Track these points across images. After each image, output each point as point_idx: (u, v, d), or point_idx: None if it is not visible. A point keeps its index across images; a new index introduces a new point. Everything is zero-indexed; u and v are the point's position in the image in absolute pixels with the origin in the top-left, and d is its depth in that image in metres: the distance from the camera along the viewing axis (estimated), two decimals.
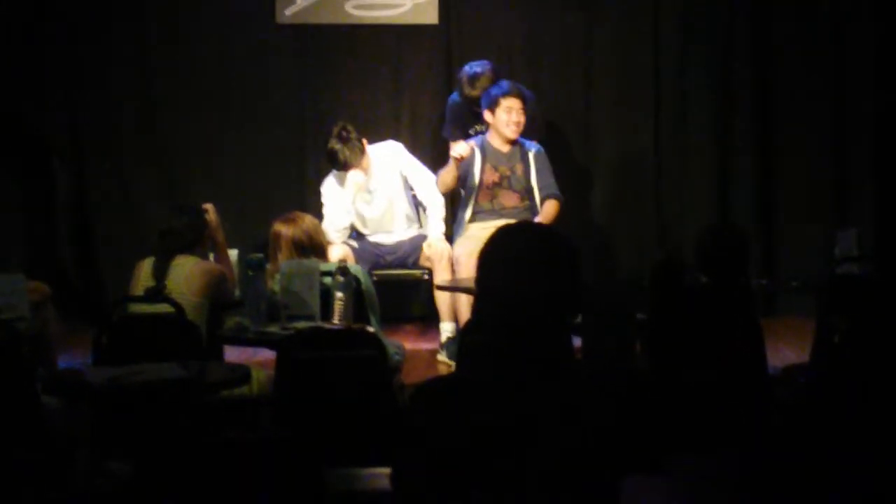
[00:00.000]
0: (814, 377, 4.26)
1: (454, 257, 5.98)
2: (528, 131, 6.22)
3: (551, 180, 6.11)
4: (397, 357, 4.80)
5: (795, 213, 7.12)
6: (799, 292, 6.32)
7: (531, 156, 6.12)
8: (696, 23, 7.18)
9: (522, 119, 6.06)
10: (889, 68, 7.02)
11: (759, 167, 7.17)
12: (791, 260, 6.99)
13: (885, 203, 6.99)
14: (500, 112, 6.04)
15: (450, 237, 6.26)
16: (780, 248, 7.13)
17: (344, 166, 6.08)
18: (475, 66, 6.38)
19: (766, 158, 7.18)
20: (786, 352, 5.67)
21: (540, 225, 2.27)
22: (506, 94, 6.05)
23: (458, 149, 6.01)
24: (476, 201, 6.11)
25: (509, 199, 6.10)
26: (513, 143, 6.11)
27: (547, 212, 6.03)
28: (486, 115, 6.12)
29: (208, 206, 4.90)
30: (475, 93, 6.30)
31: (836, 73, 7.13)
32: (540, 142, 6.28)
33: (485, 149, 6.10)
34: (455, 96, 6.57)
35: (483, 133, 6.23)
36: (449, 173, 6.10)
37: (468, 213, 6.13)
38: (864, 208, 7.03)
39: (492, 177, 6.09)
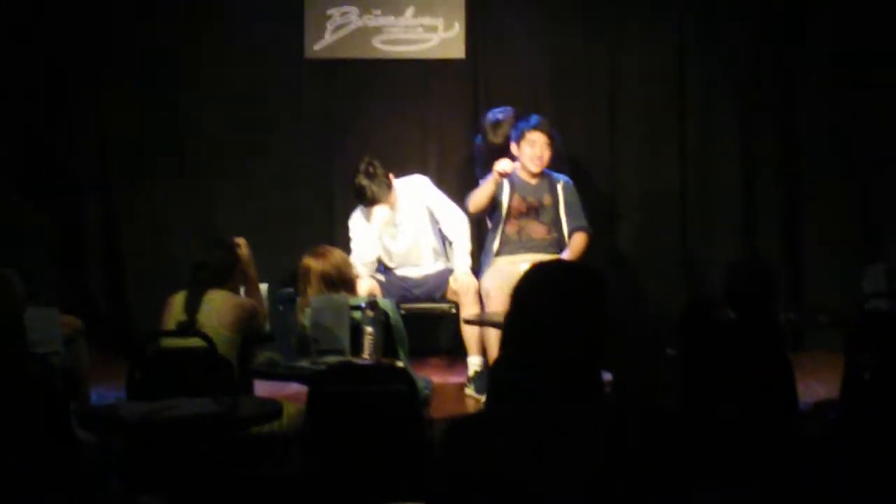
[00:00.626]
0: (844, 414, 4.26)
1: (483, 290, 6.00)
2: (555, 166, 6.25)
3: (580, 213, 6.14)
4: (426, 392, 4.82)
5: (823, 247, 7.12)
6: (827, 328, 6.30)
7: (560, 187, 6.15)
8: (720, 58, 7.20)
9: (547, 154, 6.10)
10: None
11: (786, 201, 7.17)
12: (819, 295, 6.98)
13: None
14: (525, 145, 6.10)
15: (477, 270, 6.29)
16: (809, 283, 7.12)
17: (371, 202, 6.13)
18: (497, 113, 6.48)
19: (793, 193, 7.18)
20: (815, 387, 5.66)
21: (572, 263, 2.29)
22: (532, 128, 6.10)
23: (503, 164, 6.03)
24: (503, 232, 6.15)
25: (537, 231, 6.13)
26: (542, 175, 6.14)
27: (575, 245, 6.06)
28: (513, 147, 6.17)
29: (240, 241, 4.94)
30: (497, 140, 6.39)
31: (866, 102, 7.12)
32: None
33: (514, 180, 6.13)
34: (479, 139, 6.63)
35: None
36: (484, 192, 6.10)
37: (496, 245, 6.16)
38: (894, 243, 7.02)
39: (520, 207, 6.13)
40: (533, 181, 6.16)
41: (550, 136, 6.13)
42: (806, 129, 7.19)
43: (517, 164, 6.12)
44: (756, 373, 4.03)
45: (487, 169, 6.44)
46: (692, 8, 7.18)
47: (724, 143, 7.21)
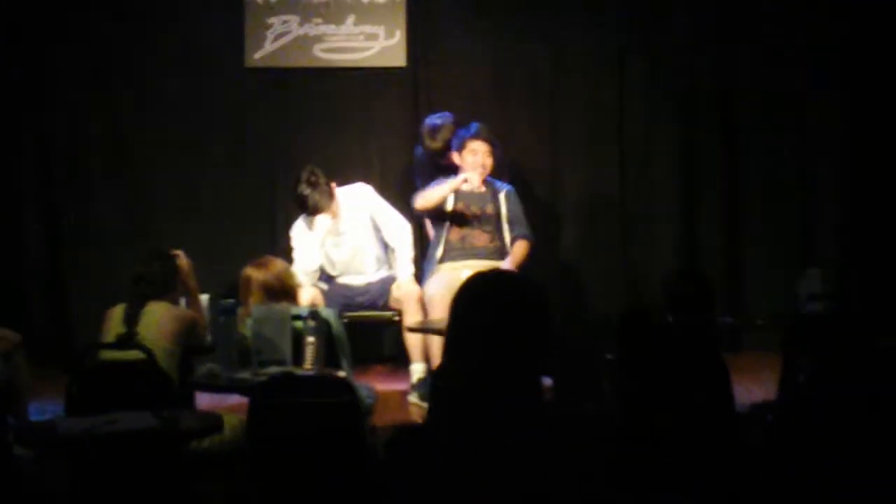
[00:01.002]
0: (780, 416, 4.31)
1: (426, 297, 6.01)
2: (496, 173, 6.28)
3: (522, 221, 6.17)
4: (369, 401, 4.82)
5: (761, 251, 7.21)
6: (765, 330, 6.38)
7: (502, 196, 6.18)
8: (660, 65, 7.27)
9: (489, 162, 6.13)
10: (857, 110, 7.12)
11: (725, 206, 7.25)
12: (757, 297, 7.07)
13: (851, 242, 7.09)
14: (467, 154, 6.13)
15: (420, 277, 6.30)
16: (747, 286, 7.21)
17: (313, 211, 6.12)
18: (435, 119, 6.49)
19: (732, 197, 7.26)
20: (753, 388, 5.73)
21: (512, 273, 2.32)
22: (472, 136, 6.13)
23: (471, 178, 6.02)
24: (447, 239, 6.17)
25: (479, 239, 6.15)
26: (485, 183, 6.17)
27: (517, 252, 6.09)
28: (455, 156, 6.19)
29: (179, 252, 4.93)
30: (436, 145, 6.40)
31: (802, 113, 7.23)
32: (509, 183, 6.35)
33: (456, 189, 6.15)
34: (418, 149, 6.64)
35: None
36: (440, 192, 6.09)
37: (439, 252, 6.18)
38: (830, 247, 7.13)
39: (463, 215, 6.15)
40: (476, 189, 6.18)
41: (491, 144, 6.15)
42: (744, 134, 7.27)
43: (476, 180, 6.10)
44: (693, 376, 4.08)
45: (427, 178, 6.46)
46: (633, 16, 7.23)
47: (663, 149, 7.28)
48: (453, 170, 6.25)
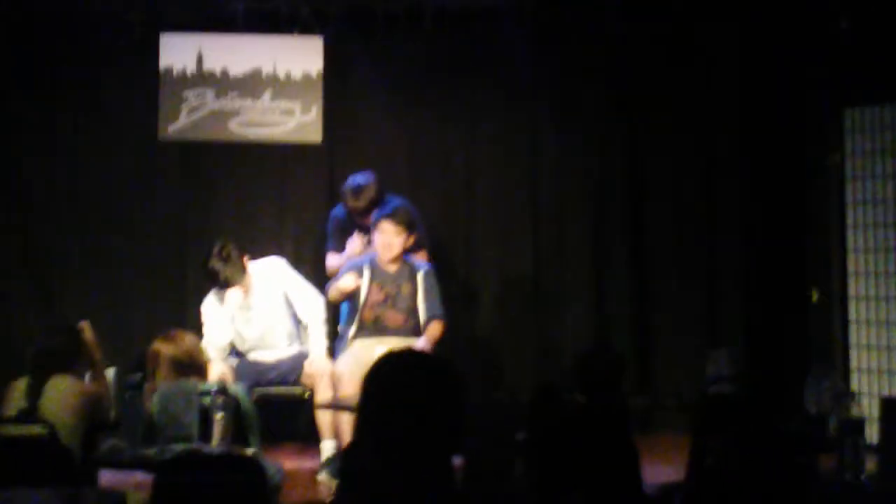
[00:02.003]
0: (688, 498, 4.34)
1: (336, 374, 5.96)
2: (415, 248, 6.30)
3: (437, 301, 6.15)
4: (276, 479, 4.75)
5: (671, 332, 7.29)
6: (674, 410, 6.44)
7: (420, 276, 6.16)
8: (573, 142, 7.39)
9: (396, 242, 6.09)
10: (757, 186, 7.31)
11: (635, 285, 7.34)
12: (667, 378, 7.15)
13: (756, 322, 7.23)
14: (377, 234, 6.12)
15: (332, 352, 6.26)
16: (657, 366, 7.28)
17: (224, 285, 6.07)
18: (358, 178, 6.46)
19: (642, 277, 7.36)
20: (664, 469, 5.75)
21: (424, 352, 2.31)
22: (382, 217, 6.10)
23: (347, 281, 6.03)
24: (361, 318, 6.13)
25: (393, 320, 6.13)
26: (402, 262, 6.16)
27: (431, 333, 6.08)
28: (374, 234, 6.18)
29: (84, 325, 4.84)
30: (360, 204, 6.38)
31: (708, 192, 7.39)
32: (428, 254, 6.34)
33: (373, 267, 6.13)
34: (338, 210, 6.62)
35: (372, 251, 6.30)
36: (343, 289, 6.08)
37: (352, 330, 6.14)
38: (736, 327, 7.25)
39: (377, 296, 6.12)
40: (392, 268, 6.15)
41: (403, 225, 6.12)
42: (654, 213, 7.40)
43: (356, 276, 6.09)
44: (603, 457, 4.09)
45: (342, 238, 6.45)
46: (545, 91, 7.36)
47: (576, 227, 7.38)
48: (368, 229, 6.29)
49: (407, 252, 6.18)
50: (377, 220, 6.12)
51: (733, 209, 7.36)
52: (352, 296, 6.13)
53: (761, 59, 7.25)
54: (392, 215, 6.11)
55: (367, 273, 6.10)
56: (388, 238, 6.08)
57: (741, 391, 5.15)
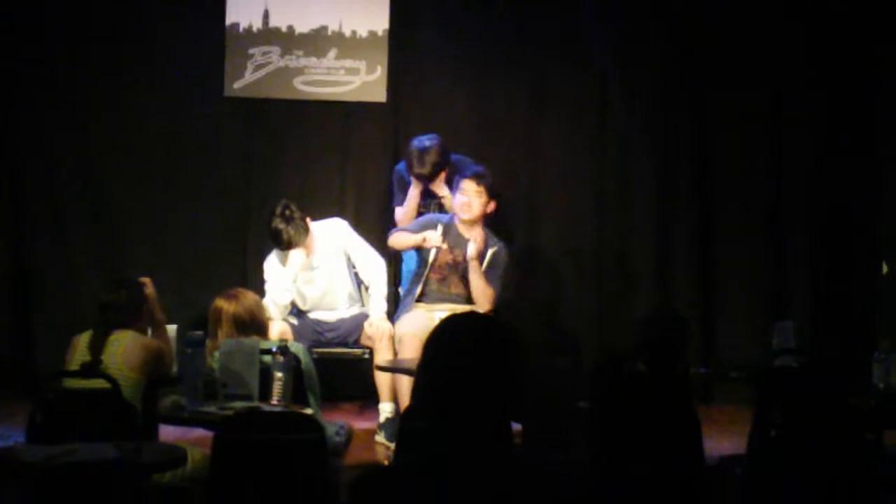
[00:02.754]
0: (749, 470, 4.29)
1: (397, 336, 5.95)
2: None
3: (496, 280, 6.04)
4: (337, 438, 4.76)
5: (735, 303, 7.19)
6: (738, 382, 6.37)
7: (489, 253, 6.06)
8: (641, 108, 7.28)
9: (477, 202, 6.00)
10: (827, 163, 7.17)
11: (699, 257, 7.24)
12: (730, 349, 7.04)
13: (824, 294, 7.10)
14: (458, 193, 6.02)
15: (393, 314, 6.24)
16: (720, 338, 7.18)
17: (288, 246, 6.07)
18: (424, 140, 6.34)
19: (706, 248, 7.25)
20: (723, 441, 5.70)
21: (487, 316, 2.29)
22: (465, 177, 6.01)
23: (433, 240, 5.96)
24: (427, 280, 6.09)
25: (457, 286, 6.07)
26: (480, 229, 6.06)
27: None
28: (440, 186, 6.10)
29: (146, 280, 4.86)
30: (424, 170, 6.30)
31: (776, 165, 7.26)
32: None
33: (449, 230, 6.05)
34: (402, 165, 6.55)
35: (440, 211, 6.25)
36: (407, 242, 6.06)
37: (417, 291, 6.09)
38: (804, 300, 7.13)
39: (446, 258, 6.06)
40: (466, 233, 6.06)
41: (485, 187, 6.02)
42: (720, 186, 7.28)
43: (441, 238, 6.03)
44: (665, 427, 4.05)
45: (404, 195, 6.42)
46: (615, 56, 7.25)
47: (641, 197, 7.28)
48: (432, 195, 6.26)
49: (487, 216, 6.09)
50: (460, 180, 6.03)
51: (802, 181, 7.22)
52: (421, 255, 6.07)
53: (833, 42, 7.08)
54: (476, 176, 6.00)
55: (439, 232, 6.02)
56: (469, 197, 5.99)
57: (807, 365, 5.07)
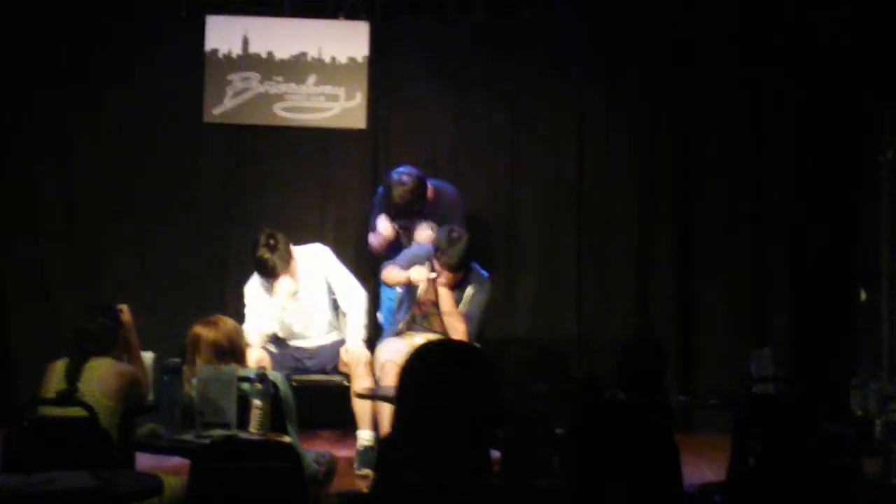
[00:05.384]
0: (728, 497, 4.28)
1: (379, 363, 5.92)
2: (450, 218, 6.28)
3: (475, 312, 6.01)
4: (316, 466, 4.73)
5: (714, 330, 7.20)
6: (716, 410, 6.37)
7: (468, 292, 6.03)
8: (620, 132, 7.30)
9: (449, 278, 5.98)
10: (807, 190, 7.20)
11: (678, 283, 7.25)
12: (709, 376, 7.04)
13: (802, 321, 7.12)
14: (443, 271, 5.97)
15: (371, 341, 6.23)
16: (699, 365, 7.19)
17: (273, 275, 6.05)
18: (402, 174, 6.39)
19: (685, 275, 7.27)
20: (703, 468, 5.70)
21: (462, 343, 2.28)
22: (442, 265, 5.93)
23: (418, 276, 5.95)
24: (412, 312, 6.09)
25: (439, 324, 6.06)
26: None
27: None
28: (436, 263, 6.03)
29: (123, 307, 4.84)
30: (401, 201, 6.34)
31: (755, 188, 7.29)
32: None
33: (432, 266, 6.01)
34: (382, 189, 6.57)
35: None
36: (399, 280, 6.06)
37: (401, 325, 6.08)
38: (781, 326, 7.15)
39: (430, 295, 6.06)
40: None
41: (458, 271, 5.95)
42: (700, 211, 7.30)
43: (428, 271, 6.00)
44: (643, 454, 4.04)
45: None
46: (592, 79, 7.28)
47: (621, 220, 7.30)
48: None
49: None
50: (441, 263, 5.91)
51: (781, 206, 7.25)
52: (408, 288, 6.07)
53: (814, 54, 7.13)
54: (454, 267, 5.91)
55: (427, 269, 6.01)
56: (447, 279, 5.96)
57: (785, 392, 5.08)
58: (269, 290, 6.13)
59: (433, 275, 5.96)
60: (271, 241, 6.01)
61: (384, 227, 6.46)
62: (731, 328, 7.16)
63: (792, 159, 7.24)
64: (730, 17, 7.21)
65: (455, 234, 5.97)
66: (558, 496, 3.97)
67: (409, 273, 5.99)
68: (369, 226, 6.64)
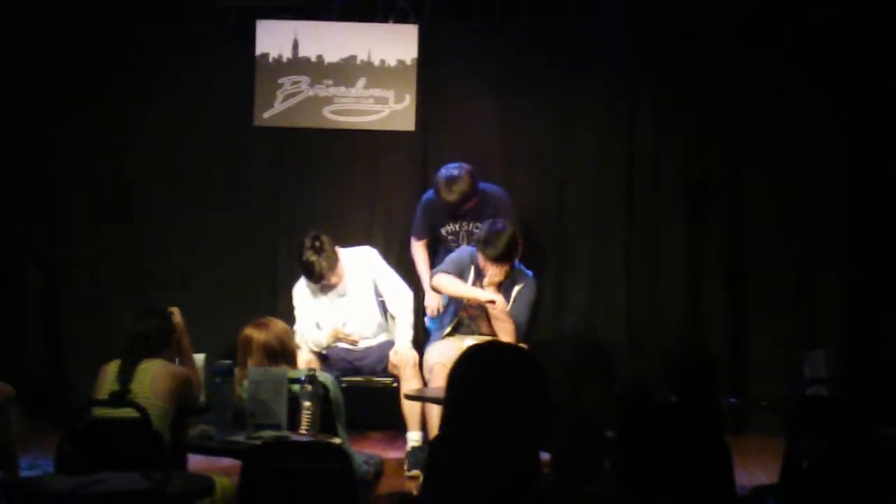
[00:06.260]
0: (782, 500, 4.24)
1: (428, 366, 5.93)
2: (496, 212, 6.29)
3: (523, 315, 6.00)
4: (365, 468, 4.75)
5: (767, 332, 7.11)
6: (769, 412, 6.31)
7: (514, 291, 6.03)
8: (671, 137, 7.25)
9: (499, 274, 5.95)
10: (863, 193, 7.11)
11: (730, 286, 7.18)
12: (761, 379, 6.97)
13: (856, 323, 7.03)
14: (488, 266, 5.98)
15: (423, 342, 6.24)
16: (751, 367, 7.11)
17: (319, 278, 6.09)
18: (452, 169, 6.40)
19: (737, 277, 7.19)
20: (755, 471, 5.65)
21: (511, 346, 2.28)
22: (488, 258, 5.90)
23: (476, 295, 5.94)
24: (459, 316, 6.09)
25: (486, 326, 6.05)
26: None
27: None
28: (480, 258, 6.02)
29: (174, 310, 4.88)
30: (452, 197, 6.33)
31: (808, 190, 7.20)
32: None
33: (481, 272, 6.00)
34: (430, 194, 6.57)
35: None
36: (459, 292, 6.01)
37: (449, 327, 6.08)
38: (835, 328, 7.06)
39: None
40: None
41: (507, 265, 5.94)
42: (751, 213, 7.23)
43: (442, 303, 6.12)
44: (695, 457, 4.01)
45: (429, 226, 6.53)
46: (645, 86, 7.23)
47: (670, 223, 7.23)
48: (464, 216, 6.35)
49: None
50: (485, 256, 5.90)
51: (834, 207, 7.16)
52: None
53: (864, 53, 7.04)
54: (498, 258, 5.89)
55: (472, 275, 6.01)
56: (492, 275, 5.96)
57: (839, 394, 5.01)
58: (316, 292, 6.15)
59: (490, 297, 5.90)
60: (317, 244, 6.04)
61: (432, 297, 6.40)
62: (784, 330, 7.07)
63: (847, 162, 7.14)
64: (776, 21, 7.13)
65: (499, 226, 5.94)
66: (608, 500, 3.95)
67: (469, 292, 5.96)
68: (412, 232, 6.66)
